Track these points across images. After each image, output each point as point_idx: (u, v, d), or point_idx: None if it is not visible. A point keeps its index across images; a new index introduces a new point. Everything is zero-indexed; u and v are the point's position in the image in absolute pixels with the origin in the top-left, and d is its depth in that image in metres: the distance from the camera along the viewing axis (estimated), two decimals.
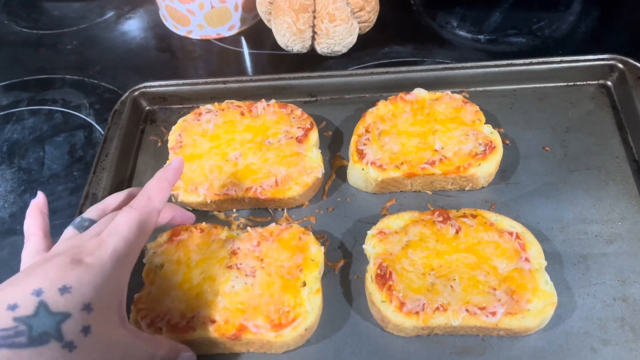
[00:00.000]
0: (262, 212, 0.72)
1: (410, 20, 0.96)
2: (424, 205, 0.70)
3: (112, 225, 0.49)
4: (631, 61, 0.76)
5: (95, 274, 0.45)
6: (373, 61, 0.90)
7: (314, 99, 0.83)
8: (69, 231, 0.53)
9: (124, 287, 0.48)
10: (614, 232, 0.65)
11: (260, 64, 0.95)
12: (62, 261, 0.45)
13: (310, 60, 0.90)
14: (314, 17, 0.83)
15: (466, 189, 0.70)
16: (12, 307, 0.41)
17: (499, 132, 0.75)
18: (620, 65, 0.77)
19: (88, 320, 0.43)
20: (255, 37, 0.97)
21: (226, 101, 0.77)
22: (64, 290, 0.43)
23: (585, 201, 0.68)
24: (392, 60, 0.90)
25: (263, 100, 0.76)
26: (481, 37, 0.91)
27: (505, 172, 0.72)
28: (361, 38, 0.90)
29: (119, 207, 0.55)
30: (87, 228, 0.52)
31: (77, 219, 0.54)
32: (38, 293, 0.42)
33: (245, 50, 0.96)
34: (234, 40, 0.97)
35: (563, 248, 0.65)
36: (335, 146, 0.77)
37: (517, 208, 0.68)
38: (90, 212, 0.55)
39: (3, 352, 0.40)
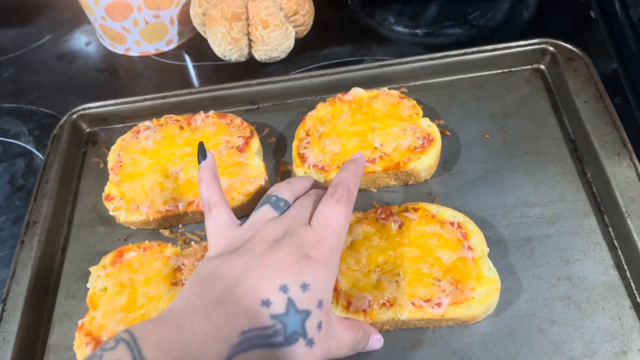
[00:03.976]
0: None
1: (348, 20, 0.96)
2: (369, 203, 0.70)
3: (322, 217, 0.49)
4: (561, 43, 0.77)
5: (323, 270, 0.45)
6: (314, 64, 0.90)
7: (256, 106, 0.82)
8: (267, 210, 0.50)
9: (334, 281, 0.48)
10: (555, 213, 0.66)
11: (204, 75, 0.94)
12: (293, 254, 0.45)
13: (253, 67, 0.90)
14: (248, 25, 0.82)
15: (409, 183, 0.71)
16: (266, 303, 0.42)
17: (439, 123, 0.76)
18: (551, 49, 0.78)
19: (321, 316, 0.44)
20: (196, 49, 0.96)
21: (165, 116, 0.77)
22: (304, 287, 0.43)
23: (526, 185, 0.69)
24: (333, 61, 0.90)
25: (201, 112, 0.76)
26: (418, 31, 0.92)
27: (447, 163, 0.72)
28: (300, 42, 0.90)
29: (304, 193, 0.54)
30: (282, 209, 0.51)
31: (273, 197, 0.51)
32: (285, 289, 0.43)
33: (188, 63, 0.96)
34: (175, 54, 0.96)
35: (507, 233, 0.65)
36: (279, 152, 0.77)
37: (460, 197, 0.69)
38: (284, 192, 0.52)
39: (265, 351, 0.41)
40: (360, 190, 0.71)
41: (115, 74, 0.95)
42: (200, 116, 0.75)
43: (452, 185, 0.71)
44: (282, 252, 0.45)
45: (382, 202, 0.70)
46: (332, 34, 0.94)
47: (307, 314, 0.43)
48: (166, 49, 0.95)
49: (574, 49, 0.77)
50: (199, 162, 0.56)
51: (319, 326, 0.44)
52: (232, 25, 0.81)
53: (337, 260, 0.48)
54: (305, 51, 0.91)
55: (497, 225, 0.66)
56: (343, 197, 0.50)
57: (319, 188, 0.55)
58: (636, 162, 0.64)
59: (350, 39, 0.92)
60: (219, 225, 0.50)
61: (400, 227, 0.62)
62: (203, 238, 0.70)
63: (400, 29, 0.93)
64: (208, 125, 0.74)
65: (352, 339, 0.49)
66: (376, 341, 0.53)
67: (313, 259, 0.45)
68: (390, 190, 0.71)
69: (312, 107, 0.77)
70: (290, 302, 0.42)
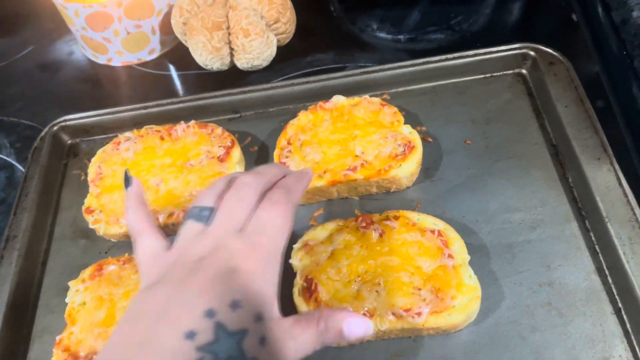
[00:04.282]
0: None
1: (331, 27, 0.96)
2: (351, 211, 0.70)
3: (257, 222, 0.45)
4: (542, 48, 0.77)
5: (257, 281, 0.42)
6: (296, 71, 0.89)
7: (238, 115, 0.82)
8: (191, 225, 0.46)
9: (277, 286, 0.45)
10: (537, 218, 0.66)
11: (188, 84, 0.93)
12: (219, 270, 0.41)
13: (236, 75, 0.89)
14: (229, 34, 0.82)
15: (391, 190, 0.70)
16: (190, 336, 0.38)
17: (420, 130, 0.75)
18: (532, 53, 0.78)
19: (262, 331, 0.41)
20: (180, 58, 0.96)
21: (145, 127, 0.76)
22: (235, 305, 0.40)
23: (508, 190, 0.69)
24: (316, 68, 0.89)
25: (182, 122, 0.75)
26: (401, 37, 0.92)
27: (429, 169, 0.72)
28: (282, 49, 0.90)
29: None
30: (207, 218, 0.46)
31: (195, 209, 0.47)
32: (211, 314, 0.39)
33: (172, 72, 0.95)
34: (158, 63, 0.96)
35: (489, 239, 0.65)
36: (261, 161, 0.77)
37: (442, 204, 0.69)
38: (205, 199, 0.47)
39: None
40: (341, 198, 0.71)
41: (99, 85, 0.95)
42: (181, 126, 0.75)
43: (434, 191, 0.70)
44: (206, 272, 0.41)
45: (364, 210, 0.70)
46: (314, 40, 0.94)
47: (242, 334, 0.39)
48: (149, 58, 0.94)
49: (554, 53, 0.77)
50: (125, 189, 0.53)
51: (262, 342, 0.40)
52: (212, 35, 0.81)
53: (277, 266, 0.45)
54: (288, 58, 0.91)
55: (479, 231, 0.66)
56: (280, 199, 0.47)
57: (247, 177, 0.49)
58: (616, 166, 0.64)
59: (332, 46, 0.92)
60: (147, 253, 0.47)
61: (380, 235, 0.62)
62: None
63: (382, 35, 0.92)
64: (189, 136, 0.74)
65: (312, 334, 0.43)
66: (357, 325, 0.45)
67: (244, 272, 0.42)
68: (372, 198, 0.71)
69: (294, 115, 0.76)
70: (219, 327, 0.39)
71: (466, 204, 0.68)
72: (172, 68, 0.96)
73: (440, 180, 0.71)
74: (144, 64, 0.95)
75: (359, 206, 0.70)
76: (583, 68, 0.81)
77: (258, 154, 0.78)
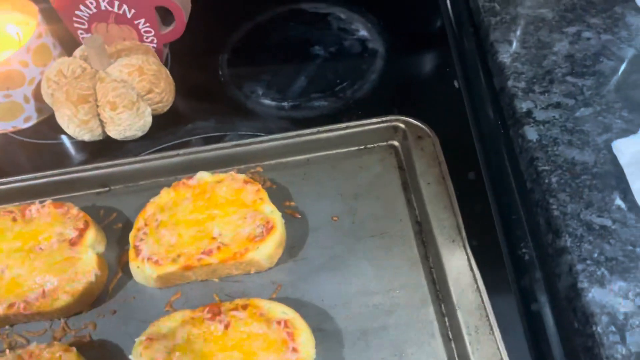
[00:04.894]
0: (40, 323, 0.67)
1: (216, 92, 0.94)
2: (210, 295, 0.67)
3: None
4: (412, 121, 0.77)
5: None
6: (176, 140, 0.87)
7: (106, 189, 0.79)
8: None
9: None
10: (394, 302, 0.64)
11: (71, 151, 0.90)
12: None
13: (115, 143, 0.86)
14: (98, 106, 0.79)
15: (252, 272, 0.68)
16: None
17: (289, 205, 0.74)
18: (402, 126, 0.77)
19: None
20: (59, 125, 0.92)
21: None
22: None
23: (369, 271, 0.67)
24: (195, 137, 0.87)
25: (37, 202, 0.72)
26: (285, 104, 0.90)
27: (294, 248, 0.70)
28: (163, 116, 0.87)
29: None
30: None
31: None
32: None
33: (57, 140, 0.91)
34: (36, 130, 0.92)
35: (344, 325, 0.63)
36: (124, 240, 0.73)
37: (302, 286, 0.67)
38: None
39: None
40: (202, 280, 0.68)
41: None
42: (35, 206, 0.71)
43: (297, 272, 0.68)
44: None
45: (223, 293, 0.67)
46: (198, 106, 0.92)
47: None
48: (25, 126, 0.91)
49: (422, 126, 0.76)
50: None
51: None
52: (78, 108, 0.78)
53: None
54: (168, 126, 0.88)
55: (335, 316, 0.64)
56: None
57: None
58: (468, 250, 0.63)
59: (215, 113, 0.90)
60: None
61: (226, 327, 0.59)
62: (31, 339, 0.65)
63: (267, 101, 0.91)
64: (43, 216, 0.70)
65: None
66: None
67: None
68: (233, 280, 0.68)
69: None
70: None
71: (326, 286, 0.66)
72: (54, 135, 0.91)
73: (304, 260, 0.69)
74: (19, 132, 0.91)
75: (218, 289, 0.68)
76: (460, 137, 0.81)
77: (122, 232, 0.74)
